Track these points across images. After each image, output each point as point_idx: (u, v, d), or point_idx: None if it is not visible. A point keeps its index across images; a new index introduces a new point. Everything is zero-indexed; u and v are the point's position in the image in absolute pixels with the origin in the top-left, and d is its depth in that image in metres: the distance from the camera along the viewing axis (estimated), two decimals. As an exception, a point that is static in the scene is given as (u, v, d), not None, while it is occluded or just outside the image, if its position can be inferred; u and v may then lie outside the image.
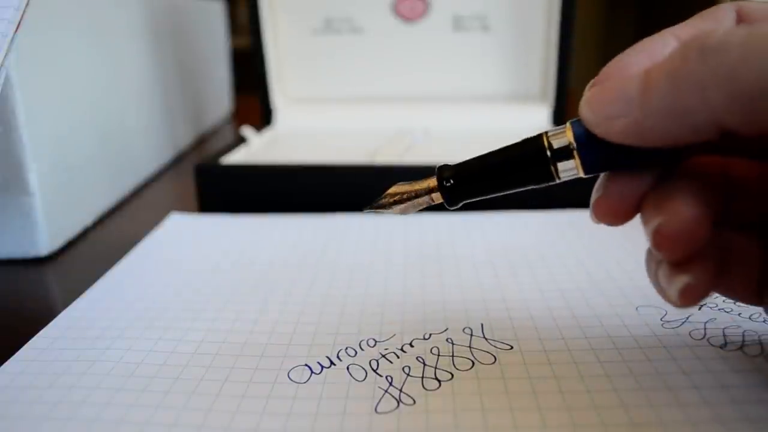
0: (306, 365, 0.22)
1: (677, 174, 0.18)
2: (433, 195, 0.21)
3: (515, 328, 0.24)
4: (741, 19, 0.18)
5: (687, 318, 0.24)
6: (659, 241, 0.17)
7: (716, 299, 0.25)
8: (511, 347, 0.23)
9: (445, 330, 0.24)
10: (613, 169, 0.19)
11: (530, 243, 0.33)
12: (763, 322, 0.23)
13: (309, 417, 0.19)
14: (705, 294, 0.17)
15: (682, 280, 0.17)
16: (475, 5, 0.58)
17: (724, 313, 0.24)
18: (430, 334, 0.24)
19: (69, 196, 0.37)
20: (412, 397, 0.20)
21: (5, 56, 0.27)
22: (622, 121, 0.17)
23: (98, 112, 0.42)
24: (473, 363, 0.22)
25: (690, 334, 0.23)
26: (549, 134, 0.19)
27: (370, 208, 0.22)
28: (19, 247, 0.34)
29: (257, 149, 0.50)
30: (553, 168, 0.19)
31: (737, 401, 0.19)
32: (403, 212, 0.22)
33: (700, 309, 0.25)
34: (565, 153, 0.18)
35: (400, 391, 0.20)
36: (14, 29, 0.28)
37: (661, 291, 0.18)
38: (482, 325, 0.24)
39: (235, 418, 0.19)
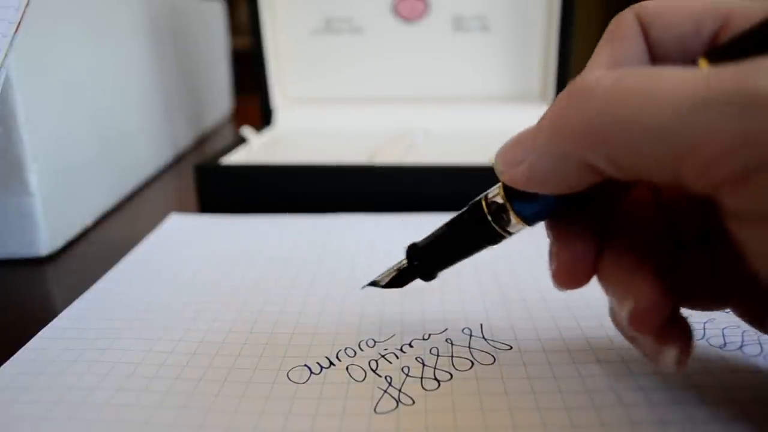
0: (305, 365, 0.22)
1: (619, 223, 0.18)
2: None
3: (514, 329, 0.24)
4: (644, 28, 0.18)
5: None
6: (638, 324, 0.17)
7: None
8: (511, 347, 0.23)
9: (445, 330, 0.24)
10: (551, 217, 0.19)
11: (530, 243, 0.33)
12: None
13: (308, 417, 0.19)
14: (693, 347, 0.17)
15: (672, 353, 0.17)
16: (475, 5, 0.58)
17: (723, 314, 0.24)
18: (430, 335, 0.24)
19: (69, 196, 0.37)
20: (411, 397, 0.20)
21: (5, 56, 0.28)
22: (519, 168, 0.17)
23: (98, 113, 0.42)
24: (472, 363, 0.22)
25: (689, 335, 0.23)
26: (488, 196, 0.20)
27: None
28: (19, 247, 0.34)
29: (257, 149, 0.50)
30: (498, 228, 0.19)
31: (737, 401, 0.19)
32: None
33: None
34: (504, 210, 0.19)
35: (400, 391, 0.20)
36: (14, 29, 0.28)
37: (650, 360, 0.18)
38: (481, 325, 0.24)
39: (235, 418, 0.19)
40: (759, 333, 0.22)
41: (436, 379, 0.21)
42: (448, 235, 0.21)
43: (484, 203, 0.20)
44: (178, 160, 0.58)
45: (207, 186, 0.41)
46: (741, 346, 0.22)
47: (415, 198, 0.39)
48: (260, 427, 0.18)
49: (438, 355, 0.22)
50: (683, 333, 0.17)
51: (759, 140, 0.12)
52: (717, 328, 0.23)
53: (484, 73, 0.59)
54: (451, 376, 0.21)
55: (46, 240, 0.34)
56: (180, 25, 0.62)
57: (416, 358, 0.22)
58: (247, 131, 0.51)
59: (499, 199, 0.19)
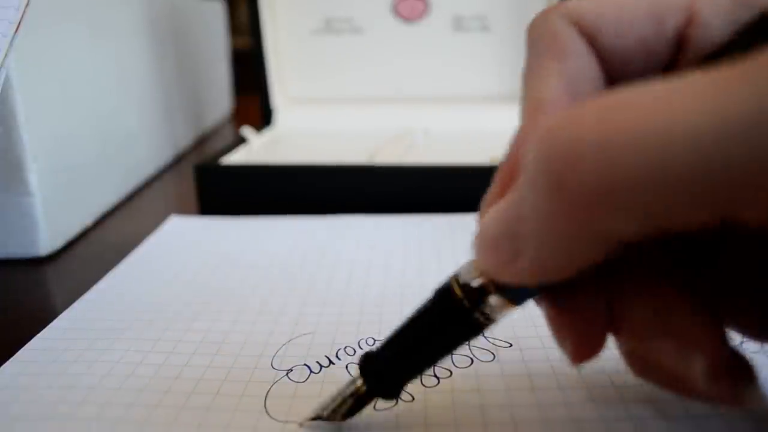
0: (305, 365, 0.22)
1: (625, 260, 0.15)
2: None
3: (514, 327, 0.24)
4: (588, 36, 0.15)
5: (686, 316, 0.24)
6: (721, 382, 0.14)
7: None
8: (510, 345, 0.23)
9: (445, 329, 0.24)
10: (546, 292, 0.16)
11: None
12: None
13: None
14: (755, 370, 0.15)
15: (758, 393, 0.14)
16: (475, 5, 0.58)
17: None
18: (430, 333, 0.24)
19: (69, 196, 0.37)
20: (410, 394, 0.20)
21: (5, 56, 0.28)
22: (517, 264, 0.14)
23: (98, 113, 0.42)
24: (472, 360, 0.22)
25: (689, 333, 0.23)
26: (459, 279, 0.16)
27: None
28: (19, 247, 0.34)
29: (257, 149, 0.50)
30: (479, 316, 0.16)
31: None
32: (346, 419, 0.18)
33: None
34: (483, 293, 0.15)
35: (399, 389, 0.20)
36: (14, 29, 0.28)
37: (704, 400, 0.16)
38: (481, 323, 0.24)
39: (235, 417, 0.19)
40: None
41: (435, 375, 0.21)
42: (414, 337, 0.17)
43: (456, 288, 0.16)
44: (178, 160, 0.58)
45: (207, 186, 0.41)
46: (741, 343, 0.22)
47: (415, 198, 0.39)
48: (260, 426, 0.18)
49: (438, 354, 0.22)
50: (743, 359, 0.14)
51: None
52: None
53: (484, 73, 0.59)
54: (451, 373, 0.21)
55: (46, 240, 0.34)
56: (180, 25, 0.62)
57: (416, 357, 0.22)
58: (247, 131, 0.51)
59: (476, 282, 0.15)
